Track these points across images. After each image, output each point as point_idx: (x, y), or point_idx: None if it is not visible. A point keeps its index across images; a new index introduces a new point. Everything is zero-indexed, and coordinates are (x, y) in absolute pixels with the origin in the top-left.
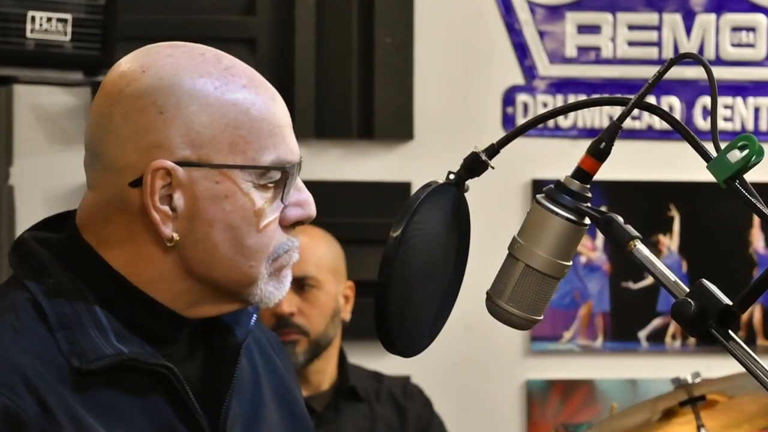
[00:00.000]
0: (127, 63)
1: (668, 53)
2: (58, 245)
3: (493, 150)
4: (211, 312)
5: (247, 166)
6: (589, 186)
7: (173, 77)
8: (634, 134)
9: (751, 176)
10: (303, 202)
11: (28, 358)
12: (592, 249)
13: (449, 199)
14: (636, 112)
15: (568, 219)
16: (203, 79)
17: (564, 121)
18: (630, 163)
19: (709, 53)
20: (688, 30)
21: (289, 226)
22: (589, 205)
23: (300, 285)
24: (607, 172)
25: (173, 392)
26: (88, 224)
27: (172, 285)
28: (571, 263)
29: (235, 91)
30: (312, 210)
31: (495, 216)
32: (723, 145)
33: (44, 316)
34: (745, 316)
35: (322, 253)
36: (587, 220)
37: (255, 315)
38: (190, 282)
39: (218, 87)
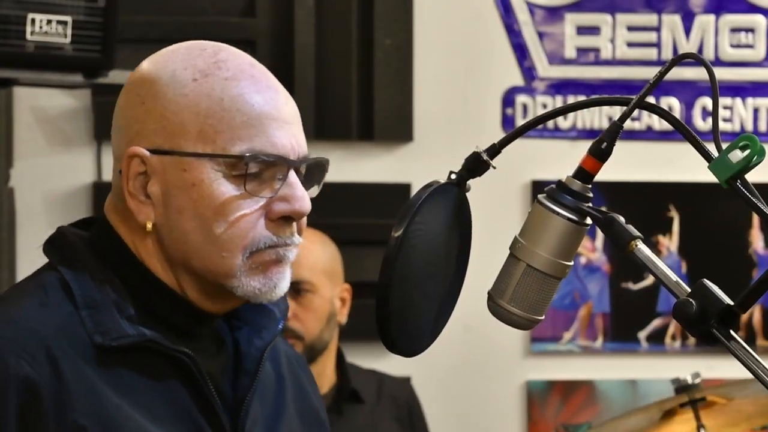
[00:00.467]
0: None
1: (667, 54)
2: (90, 238)
3: (495, 150)
4: (219, 306)
5: (213, 155)
6: (590, 186)
7: (159, 69)
8: (634, 134)
9: (751, 176)
10: (290, 196)
11: (52, 331)
12: (592, 250)
13: (451, 200)
14: (636, 112)
15: (569, 219)
16: (186, 70)
17: (564, 122)
18: (630, 163)
19: (709, 54)
20: (687, 31)
21: (276, 220)
22: (590, 205)
23: (295, 289)
24: (607, 172)
25: (193, 381)
26: (110, 216)
27: (170, 274)
28: (572, 263)
29: (214, 82)
30: (299, 206)
31: (495, 216)
32: (724, 146)
33: (72, 296)
34: (745, 317)
35: (316, 257)
36: (588, 220)
37: (281, 321)
38: (180, 271)
39: (197, 78)
